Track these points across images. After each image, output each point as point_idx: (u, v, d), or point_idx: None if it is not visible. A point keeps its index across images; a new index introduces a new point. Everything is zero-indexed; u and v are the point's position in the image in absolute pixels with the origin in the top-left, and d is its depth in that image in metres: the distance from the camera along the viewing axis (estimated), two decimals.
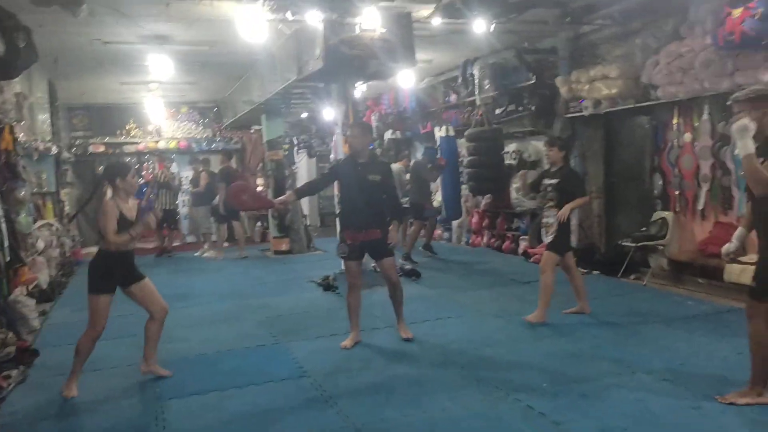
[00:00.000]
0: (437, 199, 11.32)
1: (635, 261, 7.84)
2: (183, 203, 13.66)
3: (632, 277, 7.76)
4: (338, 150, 8.91)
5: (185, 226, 14.29)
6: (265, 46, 8.13)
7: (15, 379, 4.99)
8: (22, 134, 7.02)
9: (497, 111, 10.12)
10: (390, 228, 5.61)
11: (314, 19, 6.69)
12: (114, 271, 4.64)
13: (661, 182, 7.77)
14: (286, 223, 11.61)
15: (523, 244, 9.89)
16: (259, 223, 14.15)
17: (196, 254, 12.23)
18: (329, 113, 10.37)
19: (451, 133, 10.68)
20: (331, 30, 6.74)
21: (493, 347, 5.36)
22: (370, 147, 14.34)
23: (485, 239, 11.02)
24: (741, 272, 5.64)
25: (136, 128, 15.02)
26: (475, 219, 11.28)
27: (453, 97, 11.68)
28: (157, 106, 14.05)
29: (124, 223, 4.60)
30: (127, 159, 14.72)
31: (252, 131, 14.66)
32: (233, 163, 13.60)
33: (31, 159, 8.56)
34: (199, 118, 15.59)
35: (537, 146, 9.77)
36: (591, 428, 3.65)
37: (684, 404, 3.93)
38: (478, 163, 9.77)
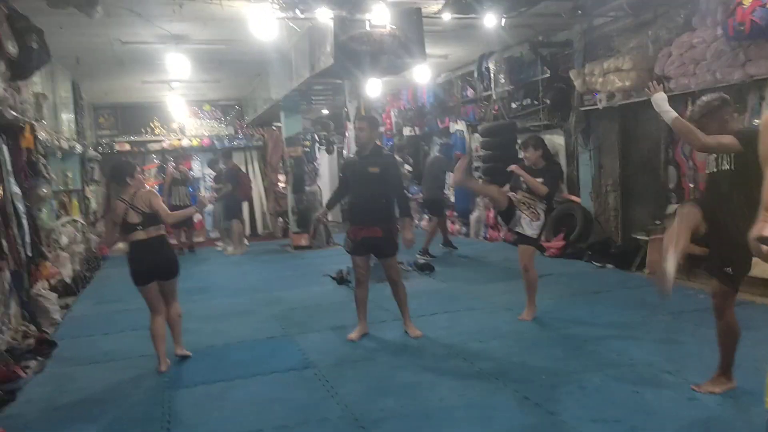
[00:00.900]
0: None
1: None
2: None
3: (646, 270, 7.70)
4: (351, 145, 8.99)
5: (208, 222, 14.53)
6: (280, 44, 8.24)
7: (33, 370, 5.18)
8: (43, 133, 7.22)
9: (513, 105, 10.12)
10: (404, 225, 5.58)
11: (324, 16, 6.78)
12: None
13: (675, 175, 7.69)
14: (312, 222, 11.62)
15: None
16: (280, 219, 14.34)
17: (218, 249, 12.48)
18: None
19: (462, 128, 10.69)
20: (341, 26, 6.79)
21: (499, 339, 5.40)
22: (389, 143, 14.54)
23: (502, 233, 11.00)
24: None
25: (160, 126, 15.34)
26: (492, 214, 11.26)
27: (470, 92, 11.68)
28: (179, 104, 14.34)
29: (126, 223, 4.85)
30: (152, 156, 15.09)
31: (273, 128, 14.83)
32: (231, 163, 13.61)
33: (55, 157, 8.79)
34: (222, 115, 15.84)
35: (552, 140, 9.73)
36: (584, 418, 3.69)
37: (680, 395, 3.93)
38: (493, 157, 9.77)
